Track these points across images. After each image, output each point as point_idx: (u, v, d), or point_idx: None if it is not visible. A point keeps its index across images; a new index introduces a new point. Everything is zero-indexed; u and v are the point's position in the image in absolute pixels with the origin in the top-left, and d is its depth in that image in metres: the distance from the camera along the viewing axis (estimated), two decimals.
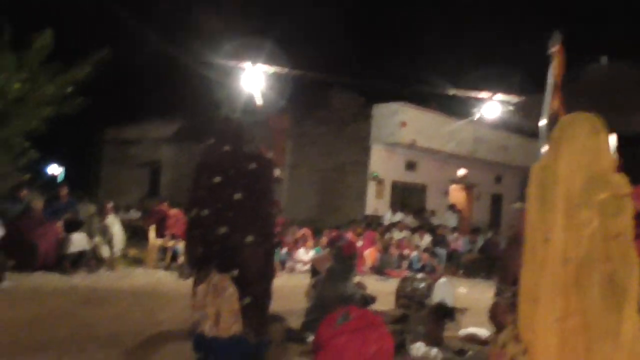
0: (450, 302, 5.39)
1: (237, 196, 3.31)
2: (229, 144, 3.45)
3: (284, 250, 9.78)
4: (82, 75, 10.59)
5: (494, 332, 2.72)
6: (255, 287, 3.31)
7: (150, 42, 10.53)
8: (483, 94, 13.54)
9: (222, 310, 3.20)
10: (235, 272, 3.23)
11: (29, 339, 4.07)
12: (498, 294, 2.60)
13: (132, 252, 9.10)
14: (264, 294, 3.41)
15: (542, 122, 3.87)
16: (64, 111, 10.61)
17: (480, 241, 13.09)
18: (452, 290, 5.79)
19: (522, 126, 14.31)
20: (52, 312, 5.00)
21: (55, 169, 24.40)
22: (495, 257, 12.04)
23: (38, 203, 7.70)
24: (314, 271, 6.57)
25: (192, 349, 3.32)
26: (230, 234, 3.27)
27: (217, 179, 3.34)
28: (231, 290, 3.22)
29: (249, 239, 3.29)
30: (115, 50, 10.96)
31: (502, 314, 2.53)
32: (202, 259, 3.31)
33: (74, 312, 5.07)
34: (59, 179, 22.97)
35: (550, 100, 3.92)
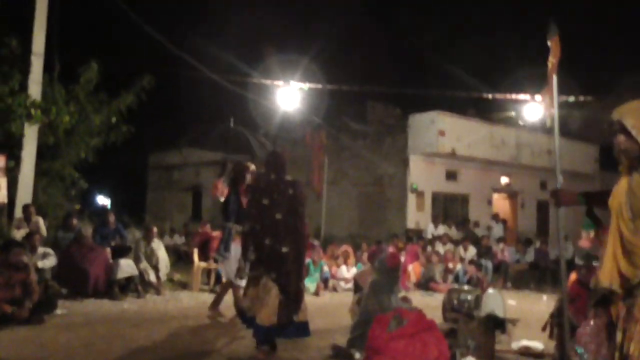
0: (500, 313, 5.20)
1: (279, 216, 4.34)
2: (275, 173, 4.48)
3: (325, 268, 9.70)
4: (126, 104, 11.00)
5: None
6: (291, 286, 4.36)
7: (190, 67, 10.84)
8: (523, 96, 13.20)
9: (266, 305, 4.26)
10: (275, 275, 4.30)
11: None
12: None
13: (177, 276, 9.25)
14: (297, 292, 4.45)
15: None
16: (111, 140, 11.02)
17: (528, 251, 12.65)
18: (501, 301, 5.58)
19: (567, 127, 13.87)
20: (103, 336, 5.12)
21: (103, 198, 25.31)
22: (545, 268, 11.61)
23: (88, 230, 7.97)
24: (357, 287, 6.49)
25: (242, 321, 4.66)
26: (273, 245, 4.31)
27: (266, 201, 4.36)
28: (274, 290, 4.28)
29: (286, 249, 4.32)
30: (157, 77, 11.35)
31: None
32: (255, 263, 4.38)
33: (124, 336, 5.18)
34: (107, 206, 23.77)
35: (544, 95, 3.82)
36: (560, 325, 4.94)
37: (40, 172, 9.61)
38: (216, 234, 9.50)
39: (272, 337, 4.41)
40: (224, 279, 6.28)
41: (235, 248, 5.81)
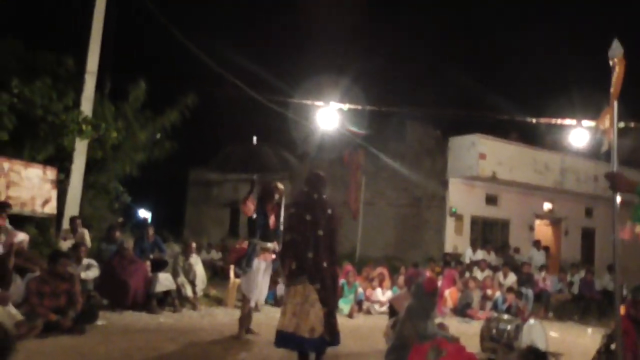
0: (542, 345, 5.02)
1: (320, 232, 4.66)
2: (317, 192, 4.82)
3: (360, 290, 9.60)
4: (171, 121, 11.38)
5: None
6: (330, 300, 4.63)
7: (231, 85, 11.13)
8: (568, 121, 12.85)
9: (311, 316, 4.47)
10: (319, 286, 4.54)
11: None
12: None
13: (213, 291, 9.35)
14: (334, 306, 4.79)
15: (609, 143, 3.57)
16: (155, 156, 11.39)
17: (572, 280, 12.18)
18: (543, 332, 5.39)
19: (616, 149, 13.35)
20: (140, 348, 5.22)
21: (144, 212, 26.00)
22: (590, 298, 11.13)
23: (130, 243, 8.20)
24: (392, 311, 6.41)
25: (275, 344, 4.65)
26: (315, 258, 4.58)
27: (309, 217, 4.66)
28: (319, 303, 4.51)
29: (325, 264, 4.62)
30: (199, 95, 11.71)
31: None
32: (296, 271, 4.58)
33: (160, 349, 5.27)
34: (147, 219, 24.38)
35: (602, 117, 3.62)
36: None
37: (87, 185, 10.01)
38: None
39: (321, 347, 4.57)
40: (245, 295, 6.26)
41: (258, 264, 5.89)
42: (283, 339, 4.57)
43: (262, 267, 5.95)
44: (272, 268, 6.13)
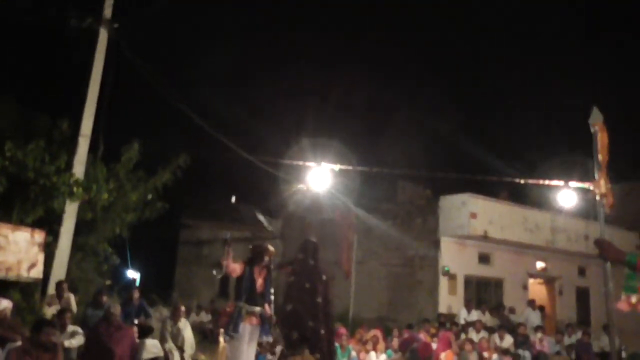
0: None
1: (318, 300, 4.91)
2: (312, 259, 5.08)
3: (354, 353, 9.34)
4: (163, 181, 11.38)
5: None
6: None
7: (221, 145, 11.25)
8: (555, 182, 13.05)
9: None
10: (319, 356, 4.73)
11: None
12: None
13: (202, 357, 9.03)
14: None
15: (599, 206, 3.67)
16: (145, 216, 11.29)
17: (567, 341, 11.95)
18: None
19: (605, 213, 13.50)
20: None
21: (132, 272, 25.48)
22: None
23: (117, 308, 7.97)
24: None
25: None
26: (315, 327, 4.82)
27: (308, 285, 4.91)
28: None
29: (322, 331, 4.86)
30: (192, 154, 11.77)
31: None
32: (296, 343, 4.82)
33: None
34: (136, 283, 23.88)
35: (597, 182, 3.71)
36: None
37: (75, 247, 9.83)
38: None
39: None
40: None
41: (243, 328, 5.72)
42: None
43: (247, 333, 5.78)
44: (261, 334, 5.94)
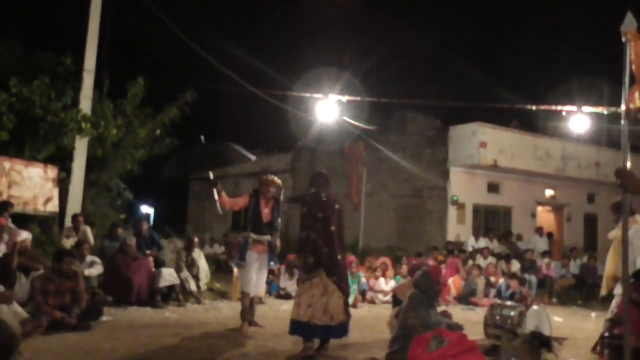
0: (546, 331, 5.02)
1: (332, 228, 5.02)
2: (324, 191, 5.15)
3: (363, 280, 9.63)
4: (170, 117, 11.36)
5: None
6: (344, 289, 5.02)
7: (229, 80, 11.10)
8: (568, 107, 12.81)
9: (330, 305, 4.83)
10: (336, 278, 4.91)
11: None
12: None
13: (217, 285, 9.38)
14: (347, 293, 5.13)
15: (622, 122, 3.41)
16: (155, 152, 11.38)
17: (574, 265, 12.19)
18: (547, 318, 5.39)
19: (614, 138, 13.33)
20: (146, 344, 5.25)
21: (147, 208, 26.02)
22: (593, 284, 11.14)
23: (132, 240, 8.22)
24: (395, 301, 6.42)
25: (290, 332, 4.97)
26: (330, 252, 4.95)
27: (320, 215, 5.02)
28: (338, 292, 4.90)
29: (339, 256, 5.00)
30: (198, 91, 11.69)
31: None
32: (312, 266, 4.94)
33: (165, 343, 5.29)
34: (150, 216, 24.40)
35: (627, 95, 3.42)
36: (611, 347, 4.74)
37: (88, 183, 10.01)
38: None
39: (337, 334, 4.97)
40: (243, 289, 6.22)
41: (250, 257, 5.92)
42: (298, 327, 4.90)
43: (255, 260, 5.96)
44: (268, 261, 6.11)
